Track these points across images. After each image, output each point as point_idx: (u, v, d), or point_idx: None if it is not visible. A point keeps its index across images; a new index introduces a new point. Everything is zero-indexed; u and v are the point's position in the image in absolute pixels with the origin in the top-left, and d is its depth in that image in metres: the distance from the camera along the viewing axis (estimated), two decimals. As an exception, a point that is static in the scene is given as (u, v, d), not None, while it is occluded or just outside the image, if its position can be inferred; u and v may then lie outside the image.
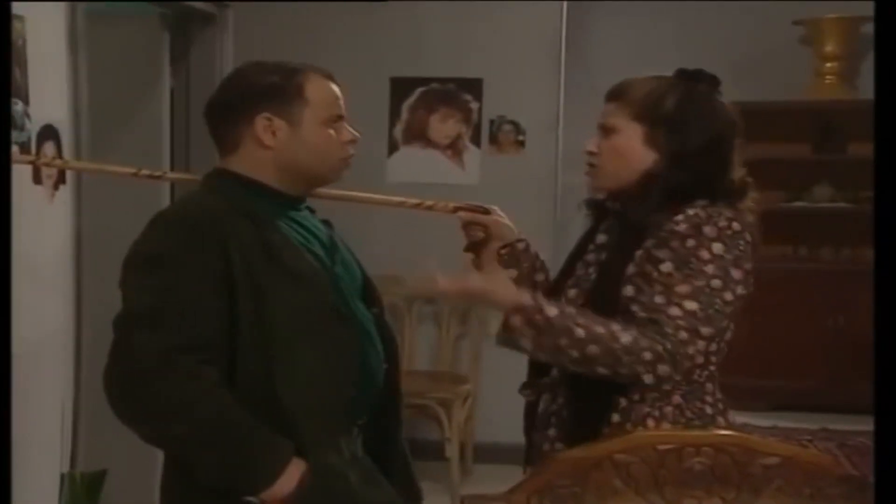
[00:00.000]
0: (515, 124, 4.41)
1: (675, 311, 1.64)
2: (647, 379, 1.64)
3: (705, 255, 1.67)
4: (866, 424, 4.57)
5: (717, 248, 1.68)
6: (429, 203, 2.03)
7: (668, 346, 1.63)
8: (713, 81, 1.80)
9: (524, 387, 1.91)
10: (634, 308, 1.67)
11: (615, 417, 1.73)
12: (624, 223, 1.79)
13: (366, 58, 4.34)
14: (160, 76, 4.13)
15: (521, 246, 1.98)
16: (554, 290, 1.88)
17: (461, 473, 4.06)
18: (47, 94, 2.82)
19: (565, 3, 4.41)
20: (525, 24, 4.36)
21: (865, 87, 5.43)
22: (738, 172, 1.78)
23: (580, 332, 1.61)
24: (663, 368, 1.64)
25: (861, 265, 5.34)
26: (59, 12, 2.93)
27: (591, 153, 1.82)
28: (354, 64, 4.30)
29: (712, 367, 1.77)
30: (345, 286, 1.81)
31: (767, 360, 5.07)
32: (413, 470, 1.97)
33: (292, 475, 1.66)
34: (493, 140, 4.43)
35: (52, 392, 2.90)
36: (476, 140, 4.44)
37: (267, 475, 1.65)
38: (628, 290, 1.71)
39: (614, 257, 1.77)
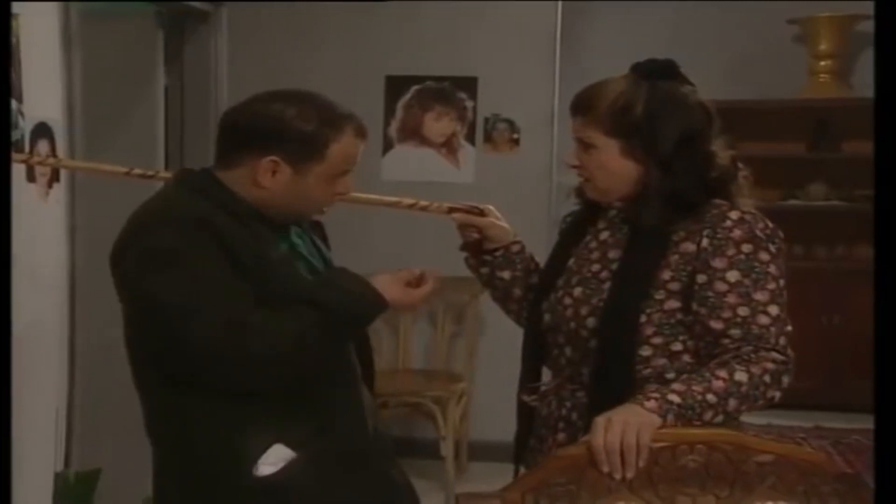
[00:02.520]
0: (510, 122, 4.41)
1: (763, 319, 1.65)
2: (777, 395, 1.65)
3: (765, 256, 1.68)
4: (860, 423, 4.61)
5: (771, 248, 1.70)
6: (423, 204, 2.01)
7: (778, 356, 1.64)
8: (670, 70, 1.78)
9: (527, 392, 1.88)
10: (717, 325, 1.66)
11: None
12: (631, 224, 1.77)
13: (361, 56, 4.34)
14: (154, 74, 4.12)
15: (515, 248, 1.97)
16: (544, 284, 1.87)
17: (456, 471, 4.05)
18: (41, 93, 2.81)
19: (560, 2, 4.41)
20: (520, 23, 4.36)
21: (860, 86, 5.43)
22: (724, 158, 1.77)
23: (713, 399, 1.59)
24: (785, 379, 1.65)
25: (856, 263, 5.35)
26: (52, 10, 2.92)
27: (576, 167, 1.81)
28: (349, 62, 4.29)
29: None
30: None
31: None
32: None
33: (384, 282, 1.75)
34: (488, 138, 4.43)
35: (46, 391, 2.89)
36: (471, 138, 4.43)
37: (376, 303, 1.73)
38: (660, 294, 1.70)
39: (634, 258, 1.74)
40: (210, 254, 1.67)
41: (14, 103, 2.63)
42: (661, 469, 1.50)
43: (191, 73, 4.27)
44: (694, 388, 1.59)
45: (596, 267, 1.79)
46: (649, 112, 1.73)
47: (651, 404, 1.55)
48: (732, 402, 1.60)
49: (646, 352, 1.72)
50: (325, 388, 1.77)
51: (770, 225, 1.72)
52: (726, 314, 1.66)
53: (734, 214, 1.71)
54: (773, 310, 1.66)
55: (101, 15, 3.51)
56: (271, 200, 1.76)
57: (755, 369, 1.62)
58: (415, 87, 4.42)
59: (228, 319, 1.64)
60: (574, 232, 1.89)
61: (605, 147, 1.75)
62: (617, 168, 1.76)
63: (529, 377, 1.90)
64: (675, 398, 1.57)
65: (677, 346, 1.72)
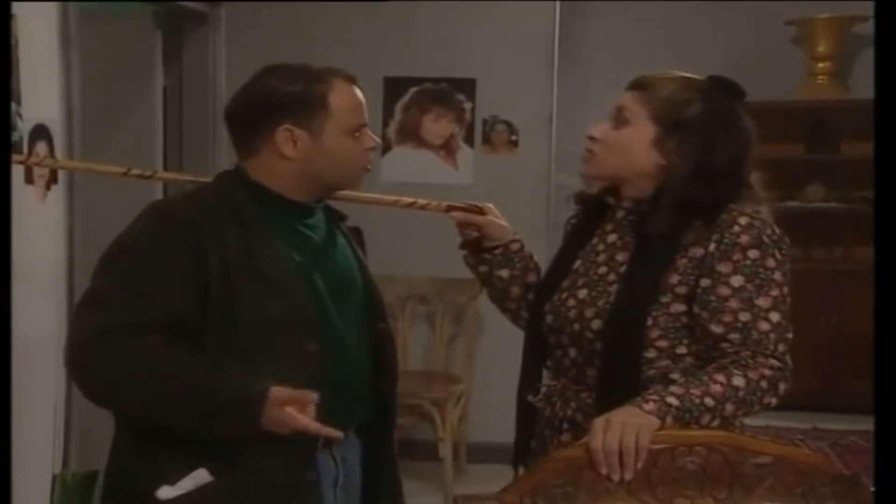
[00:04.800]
0: (508, 124, 4.41)
1: (764, 325, 1.65)
2: (773, 402, 1.65)
3: (771, 263, 1.68)
4: (858, 424, 4.61)
5: (778, 254, 1.69)
6: (422, 202, 2.02)
7: (776, 363, 1.64)
8: (739, 93, 1.77)
9: (527, 393, 1.87)
10: (717, 329, 1.66)
11: None
12: (644, 230, 1.75)
13: (359, 57, 4.31)
14: (153, 75, 4.13)
15: (515, 246, 1.96)
16: (548, 286, 1.87)
17: (454, 473, 4.04)
18: (39, 94, 2.81)
19: (558, 3, 4.41)
20: (518, 24, 4.36)
21: (858, 87, 5.44)
22: (754, 187, 1.78)
23: (711, 403, 1.59)
24: (782, 386, 1.65)
25: (854, 264, 5.37)
26: (51, 11, 2.92)
27: (592, 138, 1.78)
28: (348, 63, 4.20)
29: None
30: (328, 299, 1.79)
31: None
32: (400, 482, 1.97)
33: (274, 409, 1.61)
34: (486, 140, 4.43)
35: (45, 392, 2.89)
36: (469, 140, 4.44)
37: (248, 419, 1.61)
38: (666, 297, 1.70)
39: (643, 262, 1.73)
40: (163, 257, 1.67)
41: (12, 105, 2.62)
42: (659, 471, 1.50)
43: (189, 74, 4.27)
44: (692, 391, 1.59)
45: (603, 269, 1.78)
46: (707, 117, 1.72)
47: (650, 406, 1.55)
48: (729, 407, 1.61)
49: (651, 354, 1.71)
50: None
51: (777, 231, 1.72)
52: (727, 318, 1.66)
53: (743, 220, 1.70)
54: (775, 316, 1.66)
55: (100, 15, 3.51)
56: (306, 172, 1.77)
57: (752, 375, 1.62)
58: (413, 89, 4.43)
59: (114, 325, 1.63)
60: (580, 234, 1.88)
61: (640, 127, 1.74)
62: (637, 152, 1.74)
63: (530, 378, 1.89)
64: (673, 401, 1.57)
65: (682, 350, 1.72)
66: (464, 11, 4.35)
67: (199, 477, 1.68)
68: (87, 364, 1.67)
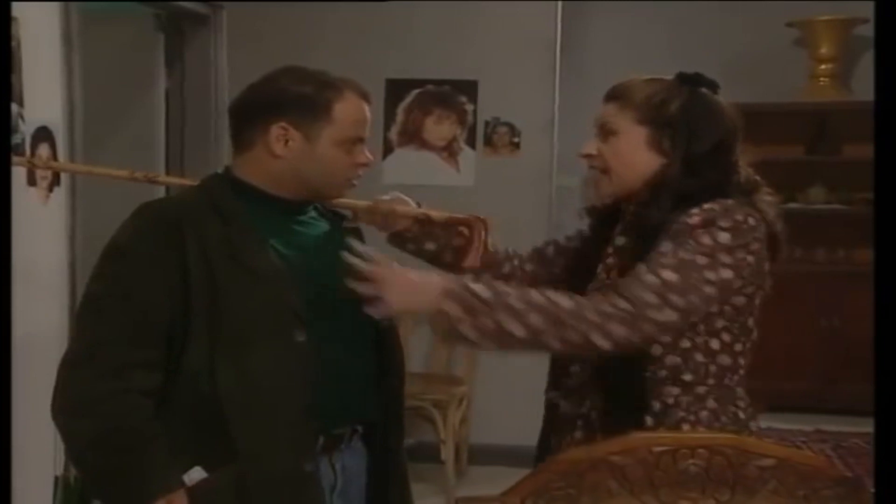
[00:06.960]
0: (510, 126, 4.41)
1: (650, 278, 1.62)
2: (603, 343, 1.60)
3: (706, 240, 1.64)
4: (861, 426, 4.61)
5: (724, 237, 1.65)
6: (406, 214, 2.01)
7: (626, 305, 1.60)
8: (713, 85, 1.80)
9: (549, 388, 1.88)
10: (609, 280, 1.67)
11: (648, 421, 1.71)
12: (640, 227, 1.76)
13: (361, 59, 4.33)
14: (155, 77, 4.13)
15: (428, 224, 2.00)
16: (571, 289, 1.87)
17: (456, 475, 4.05)
18: (41, 96, 2.81)
19: (560, 4, 4.41)
20: (520, 26, 4.36)
21: (859, 89, 5.44)
22: (744, 173, 1.77)
23: (518, 304, 1.58)
24: (618, 329, 1.59)
25: (855, 266, 5.37)
26: (52, 13, 2.93)
27: (590, 156, 1.80)
28: (349, 65, 4.23)
29: (742, 371, 1.77)
30: (324, 291, 1.77)
31: (762, 361, 5.05)
32: (409, 487, 1.95)
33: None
34: (489, 142, 4.43)
35: (46, 394, 2.88)
36: (471, 142, 4.44)
37: (141, 497, 1.63)
38: None
39: (632, 261, 1.73)
40: (150, 259, 1.68)
41: (14, 107, 2.63)
42: (661, 473, 1.50)
43: (191, 76, 4.28)
44: (512, 293, 1.60)
45: (614, 273, 1.79)
46: (688, 109, 1.73)
47: (451, 300, 1.60)
48: (535, 318, 1.58)
49: (657, 351, 1.71)
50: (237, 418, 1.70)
51: (750, 222, 1.68)
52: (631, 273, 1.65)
53: (706, 205, 1.68)
54: (668, 275, 1.61)
55: (102, 18, 3.51)
56: (292, 173, 1.77)
57: (588, 304, 1.60)
58: (415, 91, 4.43)
59: (109, 337, 1.65)
60: (596, 240, 1.89)
61: (629, 134, 1.75)
62: (637, 158, 1.75)
63: (556, 377, 1.89)
64: (479, 288, 1.59)
65: (686, 343, 1.72)
66: (465, 12, 4.36)
67: (194, 475, 1.68)
68: (72, 378, 1.68)
